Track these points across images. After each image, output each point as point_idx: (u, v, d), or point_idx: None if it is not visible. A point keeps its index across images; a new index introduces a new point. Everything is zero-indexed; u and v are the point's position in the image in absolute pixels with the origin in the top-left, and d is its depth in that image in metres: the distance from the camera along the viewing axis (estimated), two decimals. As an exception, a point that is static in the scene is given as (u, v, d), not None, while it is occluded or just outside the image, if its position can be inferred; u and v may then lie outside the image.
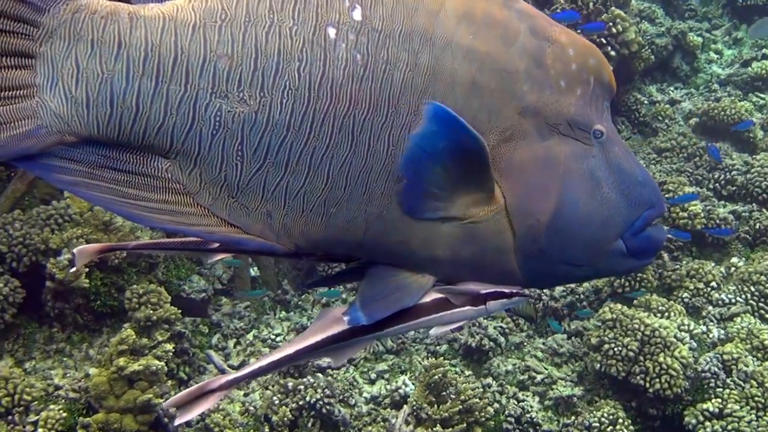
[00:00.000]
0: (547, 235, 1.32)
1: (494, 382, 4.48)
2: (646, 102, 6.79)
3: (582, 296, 4.96)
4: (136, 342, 3.69)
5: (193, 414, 1.26)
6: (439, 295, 1.36)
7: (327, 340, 1.34)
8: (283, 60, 1.15)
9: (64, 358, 4.08)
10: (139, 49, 1.11)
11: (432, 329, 1.41)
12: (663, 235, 1.47)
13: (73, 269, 3.85)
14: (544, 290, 5.00)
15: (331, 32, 1.17)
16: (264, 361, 1.33)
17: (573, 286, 4.98)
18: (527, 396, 4.45)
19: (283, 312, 5.06)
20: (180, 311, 4.15)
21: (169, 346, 3.85)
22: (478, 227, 1.29)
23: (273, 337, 4.69)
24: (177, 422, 1.28)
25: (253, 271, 5.29)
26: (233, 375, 1.30)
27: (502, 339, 4.68)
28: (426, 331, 4.86)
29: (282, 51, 1.15)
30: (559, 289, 5.02)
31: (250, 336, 4.70)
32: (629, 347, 4.24)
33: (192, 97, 1.13)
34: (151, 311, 3.95)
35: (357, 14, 1.18)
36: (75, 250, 1.48)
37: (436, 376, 4.02)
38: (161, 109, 1.13)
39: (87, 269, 4.06)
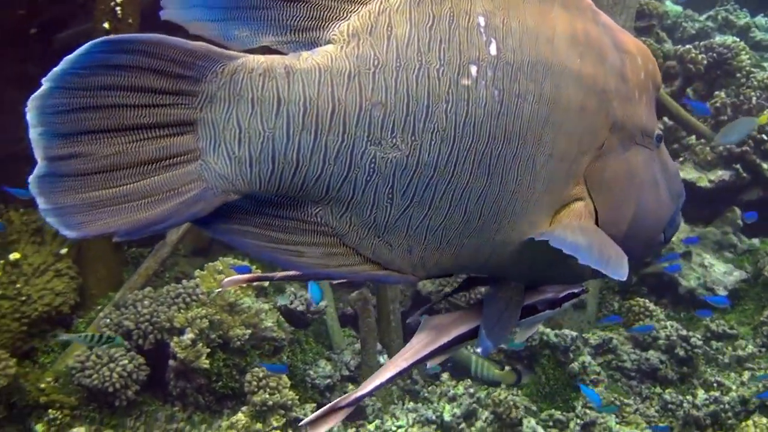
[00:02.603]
0: (624, 240, 1.36)
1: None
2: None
3: (727, 406, 4.62)
4: (246, 427, 3.65)
5: (321, 430, 1.30)
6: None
7: (437, 350, 1.41)
8: (433, 103, 1.14)
9: (183, 439, 4.09)
10: (298, 104, 1.09)
11: (517, 336, 1.50)
12: (681, 218, 1.58)
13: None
14: (687, 397, 4.74)
15: (473, 70, 1.16)
16: (384, 376, 1.37)
17: (717, 394, 4.68)
18: None
19: (411, 403, 4.93)
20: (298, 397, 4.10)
21: (280, 433, 3.79)
22: None
23: (394, 429, 4.55)
24: None
25: (383, 359, 5.20)
26: (357, 393, 1.34)
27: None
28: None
29: (431, 94, 1.14)
30: (701, 396, 4.73)
31: (371, 426, 4.57)
32: (775, 466, 3.91)
33: (349, 146, 1.12)
34: (268, 396, 3.91)
35: (493, 48, 1.18)
36: (224, 281, 1.50)
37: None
38: (320, 161, 1.11)
39: (209, 350, 4.08)
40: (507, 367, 4.85)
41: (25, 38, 5.09)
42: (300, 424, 1.28)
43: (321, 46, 1.14)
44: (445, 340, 1.41)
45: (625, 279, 1.19)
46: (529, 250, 1.30)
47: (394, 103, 1.13)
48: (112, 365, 3.98)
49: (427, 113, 1.14)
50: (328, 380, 4.77)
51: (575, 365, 5.00)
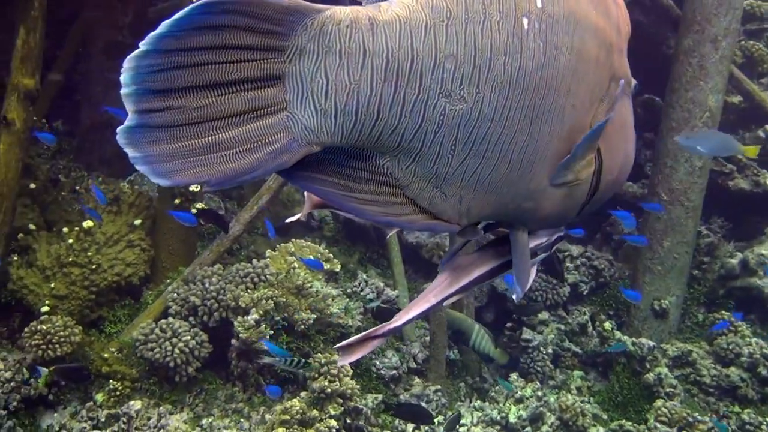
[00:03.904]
0: (612, 186, 1.50)
1: None
2: None
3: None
4: (300, 413, 3.59)
5: (353, 357, 1.35)
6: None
7: (470, 284, 1.51)
8: (494, 55, 1.17)
9: (241, 420, 4.05)
10: (381, 56, 1.11)
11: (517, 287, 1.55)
12: None
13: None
14: (767, 419, 4.52)
15: (525, 22, 1.20)
16: (416, 311, 1.45)
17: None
18: None
19: (479, 401, 4.82)
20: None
21: (333, 422, 3.71)
22: (579, 187, 1.40)
23: (457, 427, 4.43)
24: (339, 363, 1.41)
25: (453, 354, 5.10)
26: (392, 324, 1.41)
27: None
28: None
29: (492, 46, 1.17)
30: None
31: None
32: None
33: (424, 98, 1.15)
34: (327, 383, 3.84)
35: (539, 1, 1.21)
36: (306, 194, 1.55)
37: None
38: (397, 114, 1.14)
39: (272, 332, 4.03)
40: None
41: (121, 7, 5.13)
42: (335, 346, 1.29)
43: None
44: (466, 280, 1.51)
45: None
46: (548, 196, 1.36)
47: (463, 55, 1.15)
48: (174, 340, 3.98)
49: (489, 66, 1.17)
50: (394, 371, 4.70)
51: (651, 376, 4.82)
